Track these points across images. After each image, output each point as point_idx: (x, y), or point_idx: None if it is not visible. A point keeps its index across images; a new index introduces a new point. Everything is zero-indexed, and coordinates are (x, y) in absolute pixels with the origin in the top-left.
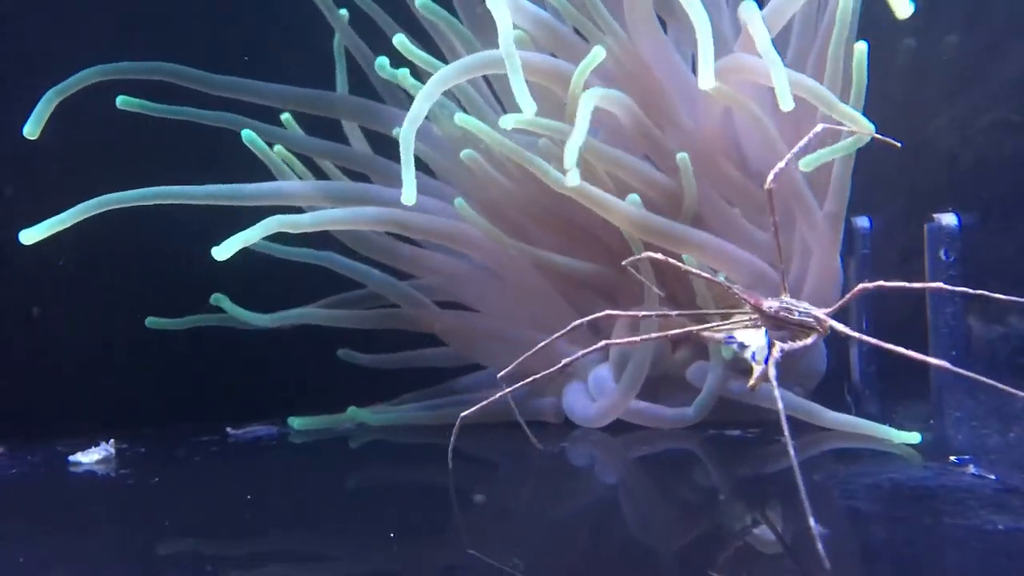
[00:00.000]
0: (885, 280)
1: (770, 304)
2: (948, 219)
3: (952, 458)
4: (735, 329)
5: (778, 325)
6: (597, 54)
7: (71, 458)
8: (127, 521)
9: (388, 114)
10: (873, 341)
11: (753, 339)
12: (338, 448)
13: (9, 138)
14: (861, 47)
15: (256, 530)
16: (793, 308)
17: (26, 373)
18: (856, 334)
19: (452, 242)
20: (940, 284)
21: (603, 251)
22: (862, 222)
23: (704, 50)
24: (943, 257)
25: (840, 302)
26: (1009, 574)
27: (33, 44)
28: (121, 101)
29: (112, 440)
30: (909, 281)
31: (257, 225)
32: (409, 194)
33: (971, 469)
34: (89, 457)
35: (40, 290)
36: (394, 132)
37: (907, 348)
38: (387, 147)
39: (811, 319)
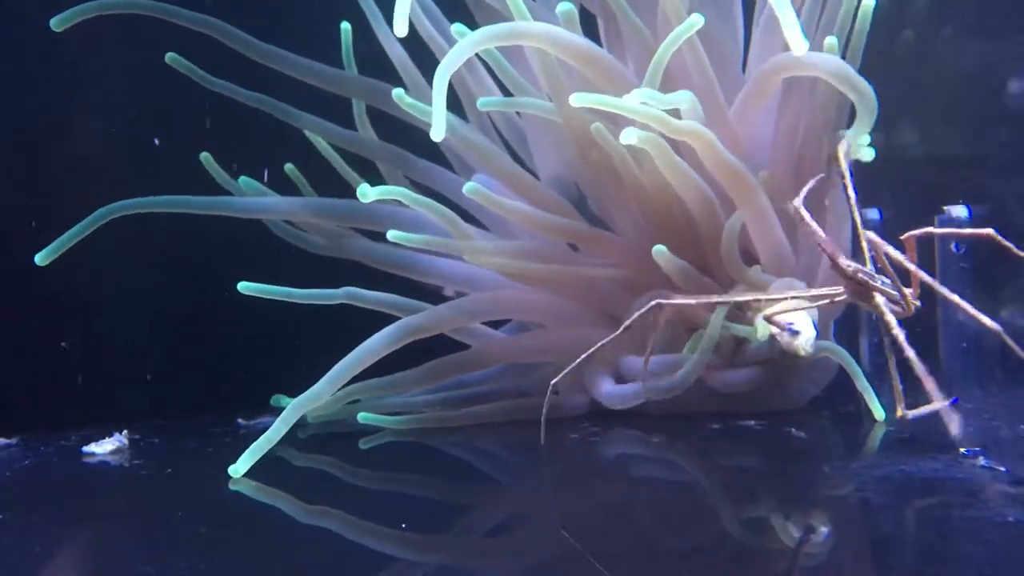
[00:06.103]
0: (898, 279)
1: (848, 263)
2: (958, 211)
3: (962, 450)
4: (788, 311)
5: (861, 292)
6: (695, 22)
7: (85, 449)
8: (140, 511)
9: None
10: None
11: (804, 326)
12: (348, 439)
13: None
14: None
15: (268, 520)
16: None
17: (40, 365)
18: (967, 306)
19: (505, 312)
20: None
21: (621, 251)
22: (872, 214)
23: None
24: (953, 249)
25: (913, 268)
26: (1020, 566)
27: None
28: (170, 58)
29: (125, 431)
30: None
31: (277, 423)
32: (438, 130)
33: (981, 461)
34: (103, 448)
35: (53, 282)
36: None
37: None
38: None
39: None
